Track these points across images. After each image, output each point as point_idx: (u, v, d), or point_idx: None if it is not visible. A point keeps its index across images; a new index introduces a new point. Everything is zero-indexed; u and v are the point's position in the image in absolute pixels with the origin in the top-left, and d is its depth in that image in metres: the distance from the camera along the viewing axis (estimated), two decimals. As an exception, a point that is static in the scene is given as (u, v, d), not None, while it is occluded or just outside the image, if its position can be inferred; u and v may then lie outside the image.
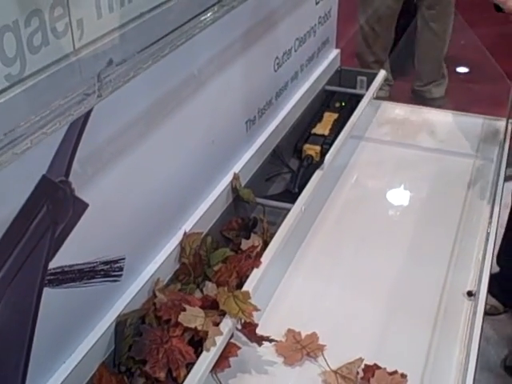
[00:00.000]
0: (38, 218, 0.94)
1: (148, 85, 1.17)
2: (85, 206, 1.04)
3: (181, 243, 1.35)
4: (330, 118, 2.04)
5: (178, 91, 1.27)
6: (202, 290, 1.33)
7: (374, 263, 1.53)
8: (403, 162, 1.95)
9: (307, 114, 2.03)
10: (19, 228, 0.91)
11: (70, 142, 0.98)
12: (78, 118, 0.94)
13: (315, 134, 1.96)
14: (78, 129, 0.99)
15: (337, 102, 2.13)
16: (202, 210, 1.44)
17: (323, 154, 1.83)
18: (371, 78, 2.20)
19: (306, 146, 1.91)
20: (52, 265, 0.99)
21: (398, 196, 1.82)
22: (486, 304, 1.35)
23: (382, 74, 2.21)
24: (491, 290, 1.54)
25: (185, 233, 1.36)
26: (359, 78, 2.25)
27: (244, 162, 1.63)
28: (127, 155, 1.14)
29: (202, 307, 1.23)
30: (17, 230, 0.90)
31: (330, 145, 1.82)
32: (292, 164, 1.90)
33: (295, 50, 1.90)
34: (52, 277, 1.00)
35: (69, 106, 0.79)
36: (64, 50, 0.88)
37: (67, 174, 0.99)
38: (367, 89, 2.16)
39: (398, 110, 2.22)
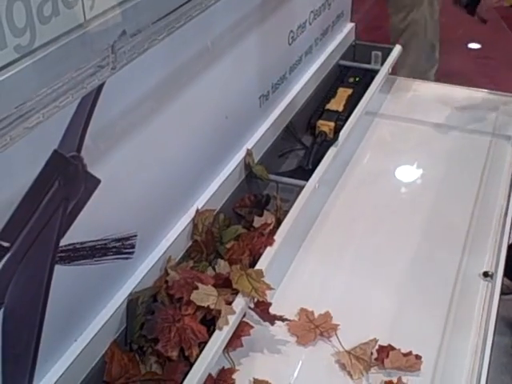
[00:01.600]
0: (50, 194, 0.92)
1: (161, 58, 1.13)
2: (97, 181, 1.02)
3: (193, 220, 1.33)
4: (344, 93, 2.00)
5: (191, 64, 1.24)
6: (214, 268, 1.31)
7: (388, 242, 1.50)
8: (418, 140, 1.91)
9: (321, 90, 1.99)
10: (30, 204, 0.89)
11: (81, 116, 0.95)
12: (90, 91, 0.92)
13: (329, 110, 1.92)
14: (90, 103, 0.96)
15: (351, 77, 2.08)
16: (215, 186, 1.41)
17: (337, 130, 1.79)
18: (386, 53, 2.15)
19: (320, 122, 1.88)
20: (63, 242, 0.97)
21: (413, 174, 1.78)
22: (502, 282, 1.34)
23: (397, 48, 2.16)
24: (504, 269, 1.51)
25: (197, 210, 1.33)
26: (374, 52, 2.20)
27: (257, 137, 1.60)
28: (140, 130, 1.12)
29: (214, 285, 1.21)
30: (28, 207, 0.88)
31: (345, 121, 1.79)
32: (305, 140, 1.87)
33: (310, 24, 1.86)
34: (63, 254, 0.98)
35: (82, 79, 0.76)
36: (75, 21, 0.85)
37: (79, 149, 0.96)
38: (382, 64, 2.12)
39: (415, 86, 2.17)
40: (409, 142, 1.90)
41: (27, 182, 0.87)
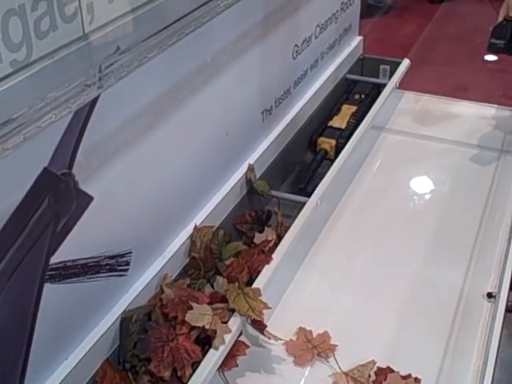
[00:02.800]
0: (40, 212, 0.91)
1: (158, 73, 1.13)
2: (89, 199, 1.01)
3: (191, 237, 1.31)
4: (348, 110, 1.98)
5: (190, 80, 1.23)
6: (212, 285, 1.29)
7: (391, 262, 1.47)
8: (425, 155, 1.88)
9: (327, 104, 1.98)
10: (19, 222, 0.88)
11: (73, 132, 0.94)
12: (81, 107, 0.91)
13: (331, 127, 1.90)
14: (82, 119, 0.95)
15: (356, 94, 2.07)
16: (215, 202, 1.40)
17: (339, 148, 1.77)
18: (394, 67, 2.13)
19: (321, 140, 1.86)
20: (54, 260, 0.96)
21: (418, 191, 1.75)
22: (507, 303, 1.30)
23: (405, 62, 2.14)
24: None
25: (195, 226, 1.32)
26: (382, 66, 2.19)
27: (259, 153, 1.59)
28: (135, 146, 1.11)
29: (210, 303, 1.20)
30: (16, 224, 0.87)
31: (347, 139, 1.76)
32: (307, 157, 1.85)
33: (316, 37, 1.84)
34: (53, 272, 0.97)
35: (67, 98, 0.75)
36: (73, 35, 0.84)
37: (70, 166, 0.95)
38: (390, 78, 2.10)
39: (423, 101, 2.15)
40: (415, 157, 1.88)
41: (16, 200, 0.86)
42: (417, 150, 1.91)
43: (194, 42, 1.20)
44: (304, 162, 1.83)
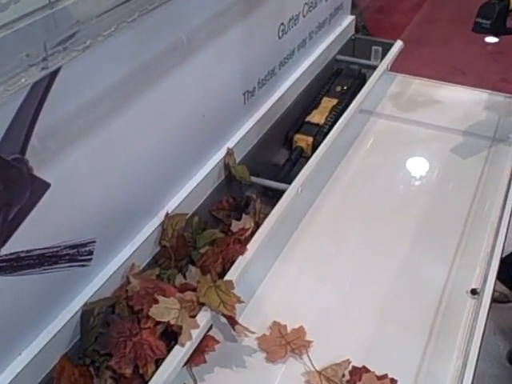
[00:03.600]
0: (-13, 200, 0.84)
1: (127, 52, 1.05)
2: (46, 185, 0.94)
3: (162, 224, 1.25)
4: (328, 103, 1.84)
5: (162, 60, 1.15)
6: (184, 275, 1.23)
7: (373, 255, 1.41)
8: (415, 141, 1.81)
9: (315, 86, 1.90)
10: (-38, 211, 0.81)
11: (26, 114, 0.87)
12: (35, 87, 0.84)
13: (309, 123, 1.76)
14: (37, 100, 0.88)
15: (338, 85, 1.93)
16: (189, 188, 1.33)
17: (315, 146, 1.64)
18: (387, 48, 2.05)
19: (297, 137, 1.72)
20: (4, 251, 0.89)
21: (406, 179, 1.68)
22: (493, 294, 1.25)
23: (398, 44, 2.06)
24: (500, 276, 1.41)
25: (167, 213, 1.25)
26: (374, 47, 2.11)
27: (239, 136, 1.52)
28: (100, 129, 1.03)
29: (181, 291, 1.14)
30: (-41, 214, 0.81)
31: (324, 136, 1.62)
32: (281, 155, 1.73)
33: (304, 16, 1.76)
34: (4, 264, 0.90)
35: (3, 80, 0.67)
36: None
37: (23, 151, 0.88)
38: (382, 60, 2.02)
39: (415, 85, 2.07)
40: (404, 143, 1.81)
41: (-42, 187, 0.80)
42: (406, 135, 1.83)
43: (167, 18, 1.12)
44: (281, 154, 1.74)
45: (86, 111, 0.99)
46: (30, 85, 0.82)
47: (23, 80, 0.69)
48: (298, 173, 1.46)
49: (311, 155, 1.53)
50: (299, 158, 1.68)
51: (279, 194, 1.43)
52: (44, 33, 0.77)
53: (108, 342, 1.05)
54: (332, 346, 1.19)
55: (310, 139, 1.71)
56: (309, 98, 1.86)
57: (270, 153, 1.72)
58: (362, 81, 1.95)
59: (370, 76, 1.90)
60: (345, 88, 1.91)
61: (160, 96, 1.17)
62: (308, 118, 1.78)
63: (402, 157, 1.75)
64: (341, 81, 1.95)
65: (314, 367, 1.15)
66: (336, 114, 1.78)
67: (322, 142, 1.59)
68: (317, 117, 1.78)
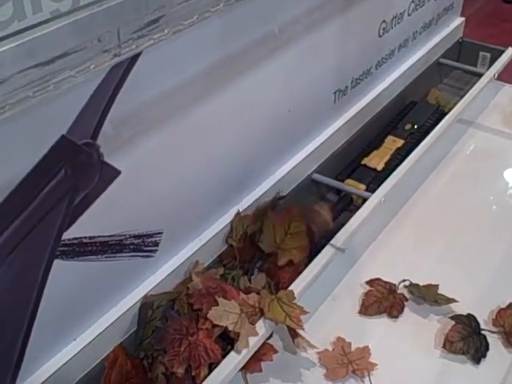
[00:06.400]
0: (53, 183, 0.82)
1: (214, 40, 1.01)
2: (115, 173, 0.92)
3: (232, 222, 1.20)
4: (392, 144, 1.59)
5: (251, 51, 1.10)
6: (250, 279, 1.19)
7: (454, 275, 1.30)
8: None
9: (413, 90, 1.79)
10: (27, 192, 0.79)
11: (101, 98, 0.84)
12: (112, 72, 0.81)
13: (365, 166, 1.51)
14: (113, 84, 0.85)
15: (408, 123, 1.67)
16: (264, 188, 1.27)
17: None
18: (496, 55, 1.91)
19: (348, 182, 1.48)
20: (67, 235, 0.88)
21: (502, 197, 1.55)
22: None
23: (509, 52, 1.91)
24: None
25: (238, 212, 1.21)
26: (482, 53, 1.97)
27: (326, 136, 1.45)
28: (178, 119, 1.00)
29: (245, 293, 1.09)
30: (23, 194, 0.79)
31: (379, 185, 1.36)
32: (330, 197, 1.50)
33: (409, 14, 1.66)
34: (66, 248, 0.89)
35: (73, 65, 0.64)
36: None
37: (95, 136, 0.86)
38: (489, 67, 1.88)
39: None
40: (504, 159, 1.67)
41: (26, 168, 0.78)
42: (507, 151, 1.70)
43: (260, 8, 1.07)
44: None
45: (163, 100, 0.95)
46: (106, 69, 0.79)
47: (92, 66, 0.66)
48: (343, 224, 1.28)
49: (361, 205, 1.32)
50: (346, 209, 1.44)
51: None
52: (133, 13, 0.73)
53: (164, 338, 1.02)
54: (397, 373, 1.11)
55: (363, 187, 1.46)
56: (405, 102, 1.75)
57: (360, 153, 1.62)
58: (438, 119, 1.64)
59: (475, 83, 1.77)
60: (415, 127, 1.66)
61: (244, 89, 1.12)
62: (365, 161, 1.54)
63: (499, 173, 1.62)
64: (413, 117, 1.70)
65: (375, 393, 1.08)
66: (399, 158, 1.52)
67: (375, 190, 1.37)
68: (375, 160, 1.54)
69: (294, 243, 1.21)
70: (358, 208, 1.32)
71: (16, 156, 0.76)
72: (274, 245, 1.21)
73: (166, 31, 0.73)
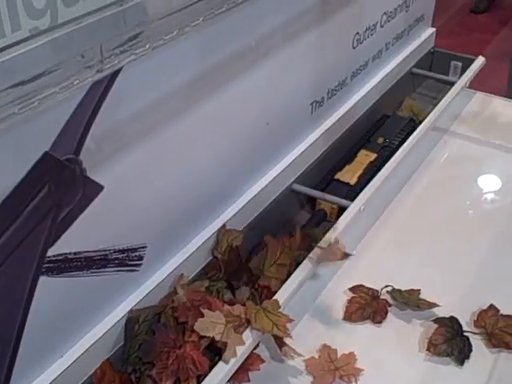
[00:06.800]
0: (37, 200, 0.83)
1: (193, 54, 1.02)
2: (98, 188, 0.92)
3: (217, 235, 1.21)
4: (364, 159, 1.57)
5: (229, 64, 1.12)
6: (234, 293, 1.19)
7: (436, 276, 1.32)
8: (490, 164, 1.71)
9: (388, 99, 1.82)
10: (11, 209, 0.80)
11: (83, 114, 0.85)
12: (93, 88, 0.82)
13: (338, 181, 1.50)
14: (95, 100, 0.86)
15: (380, 137, 1.66)
16: (246, 199, 1.29)
17: (341, 211, 1.37)
18: (467, 64, 1.95)
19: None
20: (52, 251, 0.88)
21: (478, 201, 1.58)
22: None
23: (480, 60, 1.96)
24: None
25: (224, 225, 1.22)
26: (453, 62, 2.01)
27: (304, 147, 1.47)
28: (159, 134, 1.01)
29: (229, 304, 1.10)
30: (8, 211, 0.79)
31: (353, 199, 1.35)
32: (302, 216, 1.49)
33: (381, 26, 1.70)
34: (51, 264, 0.89)
35: (55, 82, 0.65)
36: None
37: (77, 152, 0.86)
38: (461, 76, 1.92)
39: (495, 104, 1.96)
40: (478, 165, 1.70)
41: (9, 186, 0.78)
42: (481, 157, 1.73)
43: (237, 23, 1.09)
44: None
45: (144, 115, 0.96)
46: (88, 85, 0.80)
47: (76, 82, 0.66)
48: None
49: (336, 220, 1.31)
50: (320, 224, 1.42)
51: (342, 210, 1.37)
52: (113, 30, 0.74)
53: (151, 351, 1.02)
54: (384, 377, 1.13)
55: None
56: (379, 113, 1.78)
57: (334, 167, 1.64)
58: (410, 132, 1.64)
59: (447, 92, 1.81)
60: (387, 140, 1.65)
61: (223, 102, 1.14)
62: (338, 175, 1.52)
63: (475, 178, 1.65)
64: (385, 130, 1.69)
65: (363, 398, 1.09)
66: (372, 172, 1.50)
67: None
68: (348, 174, 1.52)
69: (276, 274, 1.21)
70: (332, 223, 1.33)
71: (1, 172, 0.76)
72: (260, 269, 1.22)
73: (147, 46, 0.74)
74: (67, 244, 0.90)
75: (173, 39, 0.81)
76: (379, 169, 1.48)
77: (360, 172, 1.54)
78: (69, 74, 0.66)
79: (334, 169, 1.56)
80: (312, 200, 1.49)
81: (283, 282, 1.19)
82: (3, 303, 0.83)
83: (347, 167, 1.55)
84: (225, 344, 1.02)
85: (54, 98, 0.66)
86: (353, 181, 1.51)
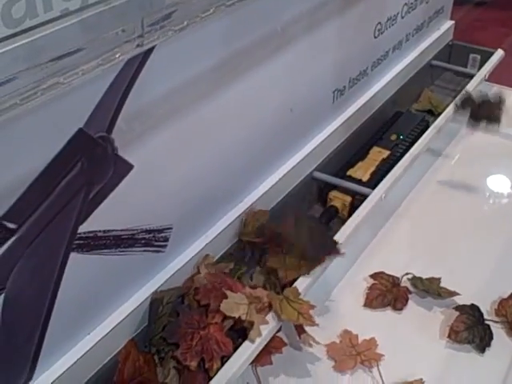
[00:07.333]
0: (70, 176, 0.84)
1: (221, 38, 1.03)
2: (129, 167, 0.93)
3: (242, 217, 1.22)
4: (377, 155, 1.56)
5: (255, 49, 1.13)
6: (251, 277, 1.20)
7: (450, 275, 1.32)
8: (508, 155, 1.71)
9: (407, 89, 1.82)
10: (45, 185, 0.80)
11: (116, 93, 0.86)
12: (125, 67, 0.83)
13: (350, 177, 1.48)
14: (127, 79, 0.87)
15: (393, 134, 1.64)
16: (270, 183, 1.29)
17: (353, 207, 1.36)
18: (486, 57, 1.95)
19: (333, 194, 1.44)
20: (83, 228, 0.89)
21: (497, 194, 1.58)
22: None
23: (499, 53, 1.96)
24: None
25: (249, 207, 1.22)
26: (472, 55, 2.01)
27: (326, 134, 1.47)
28: (187, 115, 1.01)
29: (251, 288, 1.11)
30: (41, 187, 0.80)
31: (366, 196, 1.35)
32: (315, 211, 1.47)
33: (402, 17, 1.69)
34: (82, 241, 0.89)
35: (96, 55, 0.65)
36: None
37: (109, 130, 0.87)
38: (479, 68, 1.92)
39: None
40: (496, 157, 1.70)
41: (44, 161, 0.79)
42: (499, 149, 1.73)
43: (265, 7, 1.09)
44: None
45: (172, 96, 0.97)
46: (123, 62, 0.80)
47: (117, 55, 0.67)
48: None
49: (348, 218, 1.30)
50: (331, 220, 1.41)
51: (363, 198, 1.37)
52: (138, 12, 0.75)
53: (176, 332, 1.03)
54: (404, 363, 1.13)
55: (349, 199, 1.43)
56: (398, 104, 1.78)
57: (356, 154, 1.63)
58: (423, 129, 1.64)
59: (466, 85, 1.81)
60: (401, 137, 1.63)
61: (249, 86, 1.14)
62: (350, 172, 1.50)
63: (492, 172, 1.65)
64: (398, 127, 1.68)
65: (384, 382, 1.09)
66: (385, 169, 1.49)
67: (362, 203, 1.34)
68: (360, 171, 1.51)
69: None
70: (343, 220, 1.33)
71: (35, 149, 0.77)
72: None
73: (184, 23, 0.75)
74: (97, 222, 0.91)
75: (208, 17, 0.82)
76: (392, 166, 1.47)
77: (373, 169, 1.52)
78: (109, 47, 0.67)
79: (349, 163, 1.56)
80: (323, 196, 1.48)
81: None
82: (35, 278, 0.84)
83: (360, 164, 1.54)
84: (251, 323, 1.03)
85: (96, 69, 0.66)
86: (365, 177, 1.49)
